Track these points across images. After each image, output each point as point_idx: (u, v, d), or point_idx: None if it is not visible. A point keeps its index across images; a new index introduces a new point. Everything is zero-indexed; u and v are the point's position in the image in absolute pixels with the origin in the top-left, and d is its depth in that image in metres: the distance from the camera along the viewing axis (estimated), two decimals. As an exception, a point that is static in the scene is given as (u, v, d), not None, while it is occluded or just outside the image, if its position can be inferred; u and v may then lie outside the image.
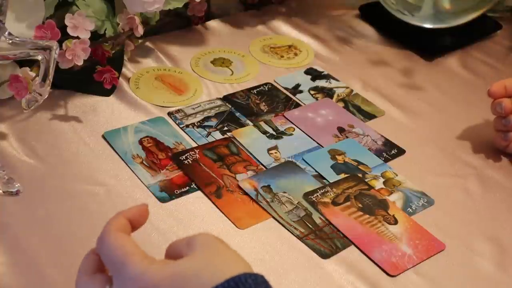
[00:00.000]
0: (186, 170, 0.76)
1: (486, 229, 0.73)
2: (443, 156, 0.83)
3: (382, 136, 0.85)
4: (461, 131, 0.88)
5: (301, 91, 0.93)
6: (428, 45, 1.03)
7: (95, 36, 0.83)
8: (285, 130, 0.85)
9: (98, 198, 0.72)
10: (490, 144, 0.85)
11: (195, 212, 0.72)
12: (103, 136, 0.80)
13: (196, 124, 0.84)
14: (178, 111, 0.86)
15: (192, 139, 0.82)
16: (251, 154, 0.80)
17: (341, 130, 0.86)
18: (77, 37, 0.78)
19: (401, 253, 0.69)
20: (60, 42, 0.73)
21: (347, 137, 0.85)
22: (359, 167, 0.80)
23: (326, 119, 0.88)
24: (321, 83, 0.95)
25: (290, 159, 0.80)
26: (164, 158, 0.78)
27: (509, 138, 0.82)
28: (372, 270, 0.67)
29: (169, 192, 0.73)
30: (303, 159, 0.80)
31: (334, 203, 0.74)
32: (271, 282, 0.65)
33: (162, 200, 0.72)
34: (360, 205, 0.74)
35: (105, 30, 0.86)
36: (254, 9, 1.10)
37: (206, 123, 0.84)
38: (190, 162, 0.78)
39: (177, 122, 0.84)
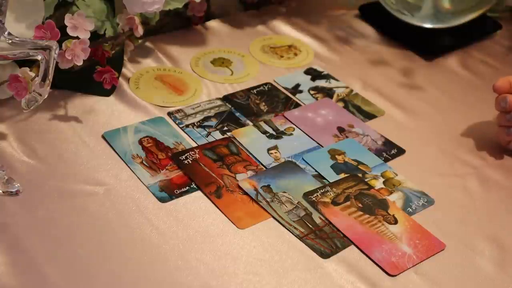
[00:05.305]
0: (186, 170, 0.76)
1: (486, 229, 0.73)
2: (443, 156, 0.83)
3: (382, 136, 0.85)
4: (461, 131, 0.88)
5: (301, 91, 0.93)
6: (428, 45, 1.03)
7: (95, 36, 0.83)
8: (285, 130, 0.85)
9: (97, 198, 0.72)
10: (490, 144, 0.85)
11: (195, 212, 0.71)
12: (103, 136, 0.80)
13: (196, 124, 0.84)
14: (178, 111, 0.86)
15: (192, 139, 0.82)
16: (251, 154, 0.80)
17: (341, 130, 0.86)
18: (77, 37, 0.78)
19: (401, 252, 0.69)
20: (60, 42, 0.73)
21: (347, 137, 0.85)
22: (359, 167, 0.80)
23: (326, 119, 0.88)
24: (321, 83, 0.95)
25: (290, 159, 0.80)
26: (164, 158, 0.78)
27: None
28: (372, 270, 0.67)
29: (169, 192, 0.73)
30: (303, 159, 0.80)
31: (334, 203, 0.74)
32: (271, 282, 0.65)
33: (162, 200, 0.72)
34: (360, 205, 0.74)
35: (105, 30, 0.87)
36: (254, 9, 1.10)
37: (206, 123, 0.84)
38: (190, 162, 0.78)
39: (177, 122, 0.84)
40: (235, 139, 0.82)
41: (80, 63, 0.78)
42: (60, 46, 0.75)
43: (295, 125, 0.86)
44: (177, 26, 1.02)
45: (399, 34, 1.06)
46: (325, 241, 0.70)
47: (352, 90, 0.93)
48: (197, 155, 0.79)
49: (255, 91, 0.92)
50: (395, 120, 0.89)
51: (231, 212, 0.72)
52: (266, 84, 0.93)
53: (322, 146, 0.83)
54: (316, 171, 0.79)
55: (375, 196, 0.75)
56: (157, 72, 0.93)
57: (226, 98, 0.89)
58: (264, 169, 0.78)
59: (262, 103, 0.89)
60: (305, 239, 0.70)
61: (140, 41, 0.94)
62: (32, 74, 0.75)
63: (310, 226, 0.71)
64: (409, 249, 0.69)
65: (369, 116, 0.89)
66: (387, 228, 0.71)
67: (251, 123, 0.85)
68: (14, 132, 0.78)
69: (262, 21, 1.07)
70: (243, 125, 0.85)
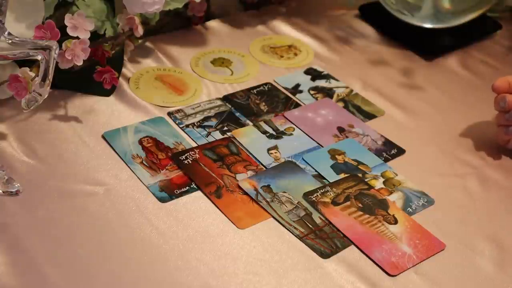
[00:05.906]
0: (186, 170, 0.76)
1: (486, 229, 0.73)
2: (443, 156, 0.83)
3: (382, 136, 0.85)
4: (461, 131, 0.88)
5: (301, 91, 0.93)
6: (428, 45, 1.03)
7: (95, 36, 0.83)
8: (285, 130, 0.85)
9: (97, 198, 0.72)
10: (490, 144, 0.85)
11: (195, 212, 0.72)
12: (103, 136, 0.80)
13: (196, 124, 0.84)
14: (178, 111, 0.86)
15: (192, 139, 0.82)
16: (251, 154, 0.80)
17: (341, 130, 0.86)
18: (77, 37, 0.78)
19: (401, 252, 0.69)
20: (60, 42, 0.73)
21: (347, 137, 0.85)
22: (359, 167, 0.80)
23: (326, 119, 0.88)
24: (321, 83, 0.95)
25: (290, 159, 0.80)
26: (164, 158, 0.78)
27: (511, 133, 0.82)
28: (372, 270, 0.67)
29: (169, 192, 0.73)
30: (303, 159, 0.80)
31: (334, 203, 0.74)
32: (271, 282, 0.65)
33: (162, 200, 0.72)
34: (360, 205, 0.74)
35: (105, 30, 0.86)
36: (254, 9, 1.10)
37: (206, 123, 0.84)
38: (190, 162, 0.78)
39: (177, 122, 0.84)
40: (235, 139, 0.82)
41: (80, 63, 0.78)
42: (60, 46, 0.75)
43: (295, 125, 0.86)
44: (177, 26, 1.02)
45: (399, 34, 1.06)
46: (325, 241, 0.70)
47: (352, 90, 0.93)
48: (197, 155, 0.79)
49: (255, 91, 0.92)
50: (395, 120, 0.89)
51: (231, 212, 0.72)
52: (266, 84, 0.93)
53: (322, 146, 0.83)
54: (316, 171, 0.79)
55: (375, 196, 0.75)
56: (157, 72, 0.93)
57: (226, 98, 0.89)
58: (264, 169, 0.78)
59: (262, 103, 0.89)
60: (305, 239, 0.70)
61: (140, 41, 0.94)
62: (32, 74, 0.75)
63: (310, 226, 0.71)
64: (409, 249, 0.69)
65: (369, 116, 0.89)
66: (387, 228, 0.71)
67: (251, 123, 0.85)
68: (14, 132, 0.78)
69: (262, 21, 1.07)
70: (243, 125, 0.85)
